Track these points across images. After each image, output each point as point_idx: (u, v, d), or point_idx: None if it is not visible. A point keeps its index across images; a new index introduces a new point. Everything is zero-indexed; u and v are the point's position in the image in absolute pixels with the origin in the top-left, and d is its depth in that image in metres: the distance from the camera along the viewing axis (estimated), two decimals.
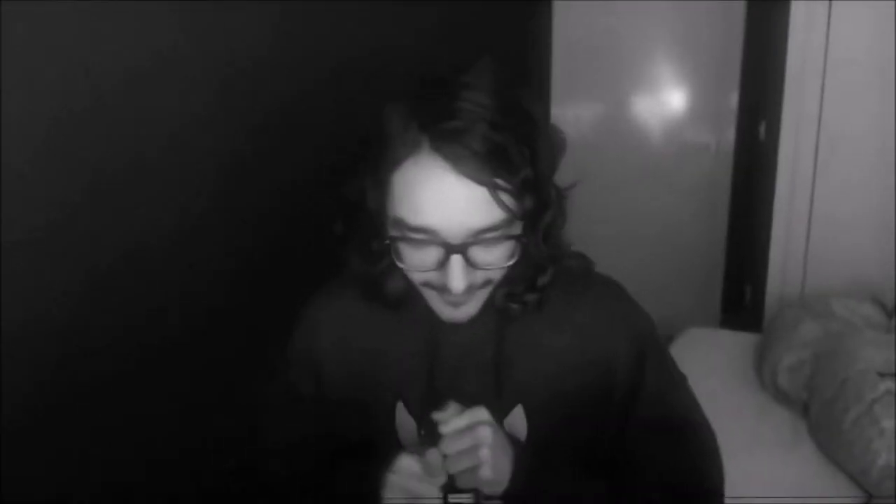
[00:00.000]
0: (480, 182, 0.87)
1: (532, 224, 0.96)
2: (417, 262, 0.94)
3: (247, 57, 1.66)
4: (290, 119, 1.80)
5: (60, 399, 1.30)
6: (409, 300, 1.04)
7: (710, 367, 2.66)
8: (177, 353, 1.54)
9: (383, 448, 1.03)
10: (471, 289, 0.94)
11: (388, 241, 0.94)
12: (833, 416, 2.09)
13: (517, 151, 0.89)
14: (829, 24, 2.93)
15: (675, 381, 1.10)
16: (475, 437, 0.92)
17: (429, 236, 0.90)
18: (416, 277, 0.97)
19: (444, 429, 0.93)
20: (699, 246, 4.04)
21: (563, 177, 1.01)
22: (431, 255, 0.92)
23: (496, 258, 0.93)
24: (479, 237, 0.90)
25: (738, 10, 3.71)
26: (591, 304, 1.06)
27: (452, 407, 0.95)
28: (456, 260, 0.90)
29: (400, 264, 0.95)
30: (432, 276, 0.94)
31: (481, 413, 0.94)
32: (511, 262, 0.94)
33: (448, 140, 0.87)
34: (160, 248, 1.49)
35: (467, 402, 0.98)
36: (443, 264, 0.91)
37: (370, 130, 0.94)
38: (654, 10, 3.79)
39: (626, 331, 1.05)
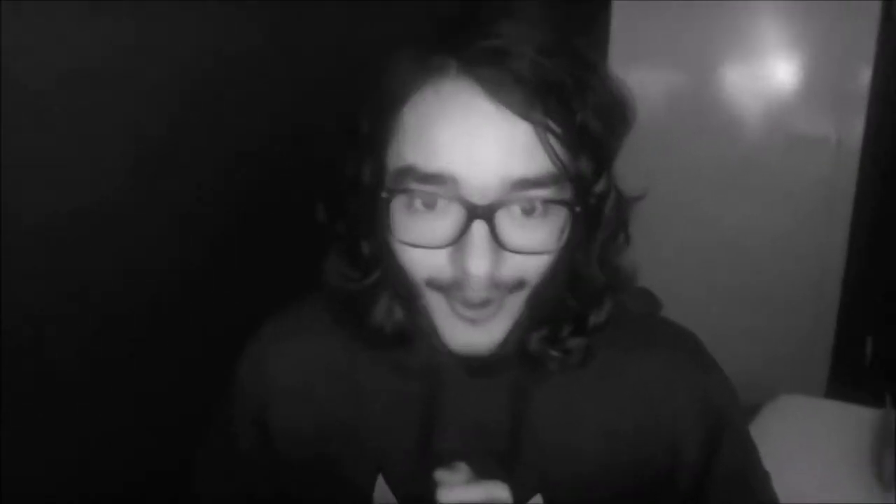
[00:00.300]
0: (526, 115, 0.78)
1: (587, 211, 0.86)
2: (424, 235, 0.82)
3: (242, 55, 1.76)
4: (287, 119, 1.89)
5: (61, 399, 1.40)
6: (409, 339, 0.94)
7: (810, 449, 2.35)
8: (178, 353, 1.64)
9: None
10: (498, 288, 0.82)
11: (385, 197, 0.83)
12: None
13: (574, 89, 0.80)
14: None
15: (758, 472, 1.03)
16: None
17: (446, 190, 0.80)
18: (420, 270, 0.84)
19: (446, 496, 0.84)
20: (805, 277, 3.56)
21: (619, 176, 0.91)
22: (446, 223, 0.81)
23: (537, 238, 0.81)
24: (516, 196, 0.79)
25: None
26: (654, 363, 0.97)
27: (462, 470, 0.85)
28: (480, 230, 0.78)
29: (397, 245, 0.83)
30: (442, 265, 0.82)
31: (500, 491, 0.85)
32: (557, 249, 0.82)
33: (484, 60, 0.79)
34: (161, 247, 1.61)
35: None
36: (461, 236, 0.79)
37: (377, 65, 0.87)
38: None
39: (700, 401, 0.97)
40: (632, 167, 0.92)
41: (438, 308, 0.87)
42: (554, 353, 0.91)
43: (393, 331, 0.94)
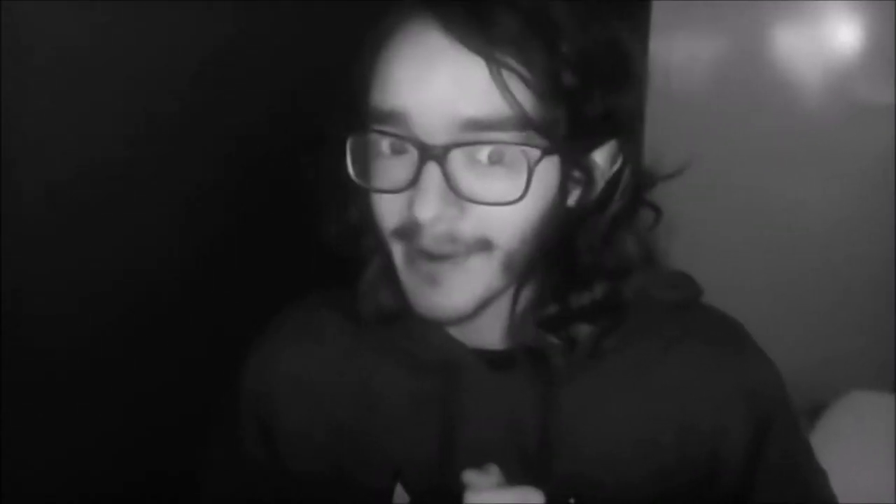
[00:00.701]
0: (477, 51, 0.79)
1: (572, 164, 0.86)
2: (386, 179, 0.84)
3: (237, 53, 1.74)
4: (285, 119, 1.84)
5: (61, 399, 1.41)
6: (403, 323, 0.95)
7: (880, 448, 2.34)
8: (179, 353, 1.63)
9: None
10: (454, 242, 0.82)
11: (349, 139, 0.86)
12: None
13: (546, 31, 0.81)
14: None
15: (813, 468, 1.03)
16: None
17: (401, 129, 0.81)
18: (386, 220, 0.85)
19: (475, 499, 0.83)
20: (871, 262, 3.25)
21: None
22: (403, 165, 0.82)
23: (495, 190, 0.81)
24: (470, 137, 0.80)
25: None
26: (693, 355, 0.96)
27: (493, 473, 0.83)
28: (431, 172, 0.80)
29: (360, 183, 0.86)
30: (403, 211, 0.83)
31: (532, 496, 0.84)
32: (514, 201, 0.80)
33: (453, 3, 0.81)
34: (161, 247, 1.61)
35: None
36: (415, 179, 0.81)
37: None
38: None
39: (744, 395, 0.96)
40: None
41: (401, 261, 0.87)
42: (552, 340, 0.90)
43: (380, 308, 0.95)
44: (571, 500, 0.93)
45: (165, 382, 1.59)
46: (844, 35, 3.19)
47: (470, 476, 0.84)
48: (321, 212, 0.96)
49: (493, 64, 0.78)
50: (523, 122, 0.80)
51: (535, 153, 0.81)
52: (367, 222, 0.89)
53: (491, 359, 0.93)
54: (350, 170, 0.85)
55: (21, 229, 1.29)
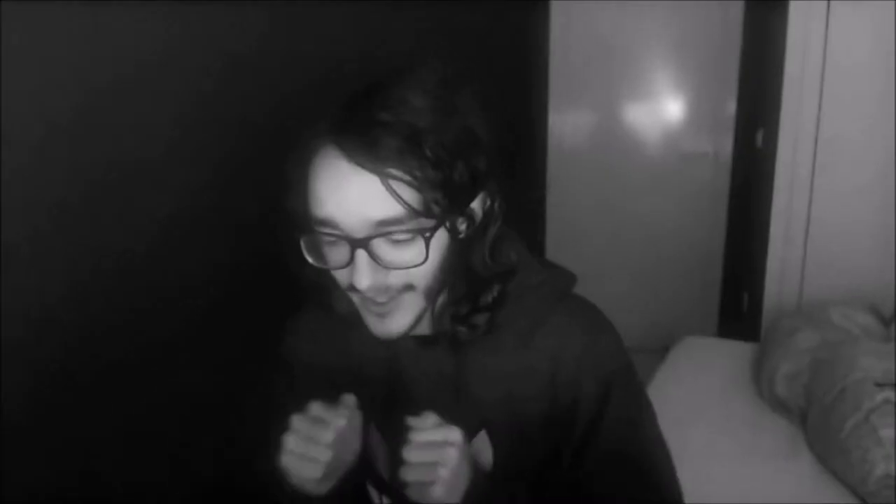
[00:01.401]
0: (374, 172, 0.87)
1: (464, 229, 0.95)
2: (332, 260, 0.93)
3: (242, 57, 1.67)
4: (284, 120, 1.70)
5: (61, 399, 1.31)
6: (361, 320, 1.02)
7: (708, 375, 2.70)
8: (178, 353, 1.56)
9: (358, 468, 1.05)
10: (387, 291, 0.93)
11: (301, 238, 0.93)
12: (830, 426, 2.10)
13: (426, 145, 0.88)
14: (826, 31, 2.94)
15: (640, 417, 1.09)
16: (440, 455, 0.91)
17: (334, 230, 0.90)
18: (341, 279, 0.96)
19: (415, 437, 0.92)
20: (697, 254, 4.08)
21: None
22: (341, 251, 0.91)
23: (407, 257, 0.91)
24: (382, 230, 0.89)
25: (736, 17, 3.75)
26: (558, 331, 1.03)
27: (430, 418, 0.93)
28: (360, 255, 0.89)
29: (318, 265, 0.95)
30: (349, 278, 0.93)
31: (454, 434, 0.93)
32: (423, 262, 0.91)
33: (345, 132, 0.88)
34: (163, 246, 1.51)
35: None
36: (351, 261, 0.90)
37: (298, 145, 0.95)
38: (651, 18, 3.83)
39: (593, 366, 1.03)
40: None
41: (358, 303, 0.98)
42: (461, 328, 1.00)
43: (348, 311, 1.01)
44: (483, 434, 1.04)
45: (166, 383, 1.55)
46: (676, 106, 3.97)
47: (412, 420, 0.93)
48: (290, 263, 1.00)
49: (384, 177, 0.87)
50: (414, 214, 0.88)
51: (427, 231, 0.89)
52: (322, 275, 0.97)
53: (421, 341, 1.02)
54: (307, 257, 0.94)
55: (26, 229, 1.24)
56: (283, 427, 1.04)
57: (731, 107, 3.87)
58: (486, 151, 0.93)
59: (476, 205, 0.95)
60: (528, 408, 1.03)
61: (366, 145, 0.86)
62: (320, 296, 1.04)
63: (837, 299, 2.81)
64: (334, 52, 1.96)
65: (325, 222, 0.90)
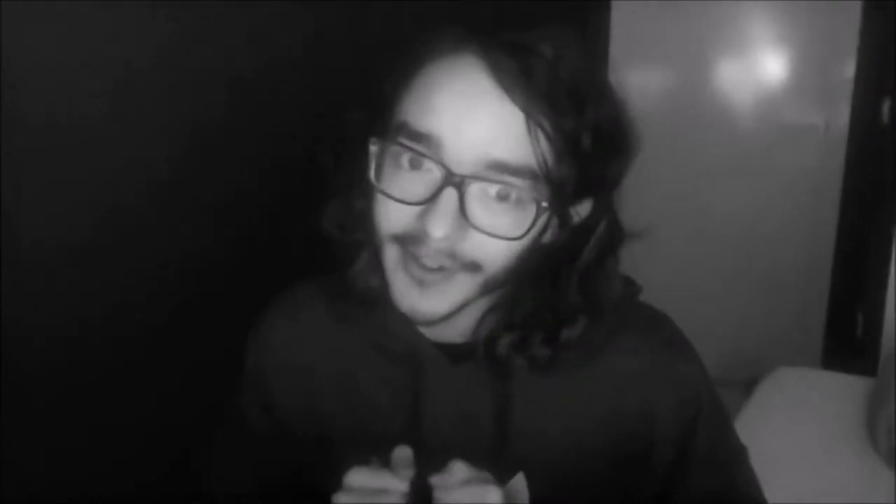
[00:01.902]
0: (523, 106, 0.81)
1: (562, 219, 0.89)
2: (400, 188, 0.85)
3: (256, 58, 1.74)
4: (302, 120, 1.83)
5: (61, 399, 1.39)
6: (382, 310, 0.95)
7: (807, 418, 2.48)
8: (180, 352, 1.62)
9: None
10: (452, 258, 0.85)
11: (377, 148, 0.87)
12: None
13: (579, 101, 0.84)
14: None
15: (736, 450, 1.05)
16: None
17: (430, 150, 0.83)
18: (389, 224, 0.86)
19: (441, 497, 0.84)
20: (799, 260, 3.73)
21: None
22: (422, 182, 0.83)
23: (502, 222, 0.83)
24: (492, 174, 0.82)
25: None
26: (628, 349, 0.98)
27: (458, 469, 0.84)
28: (448, 195, 0.82)
29: (377, 194, 0.86)
30: (410, 221, 0.84)
31: (492, 494, 0.83)
32: (519, 237, 0.84)
33: (503, 50, 0.83)
34: (164, 246, 1.58)
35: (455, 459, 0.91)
36: (432, 198, 0.82)
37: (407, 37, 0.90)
38: None
39: (673, 386, 0.98)
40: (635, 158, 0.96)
41: (393, 263, 0.89)
42: (519, 358, 0.94)
43: (363, 292, 0.97)
44: (520, 476, 0.97)
45: (168, 383, 1.59)
46: (774, 66, 3.62)
47: (436, 479, 0.85)
48: (327, 201, 0.98)
49: (530, 118, 0.81)
50: (541, 174, 0.83)
51: (544, 202, 0.84)
52: (365, 220, 0.91)
53: (451, 352, 0.96)
54: (371, 173, 0.87)
55: (25, 231, 1.28)
56: (264, 472, 1.11)
57: (850, 69, 3.50)
58: (626, 156, 0.90)
59: (579, 209, 0.90)
60: (586, 445, 0.97)
61: (524, 73, 0.82)
62: (340, 262, 0.98)
63: None
64: (357, 50, 2.00)
65: (425, 138, 0.83)
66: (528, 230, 0.84)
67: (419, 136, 0.83)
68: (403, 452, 0.85)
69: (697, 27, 3.65)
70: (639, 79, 3.74)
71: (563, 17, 2.92)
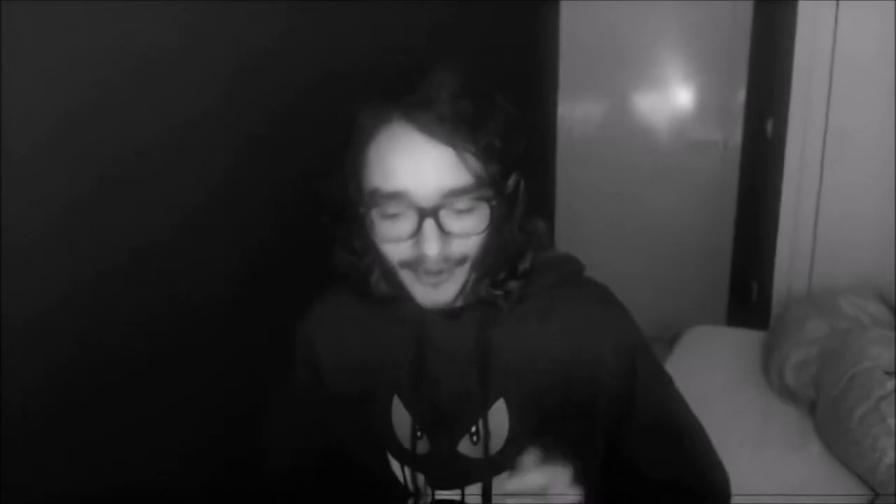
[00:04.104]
0: (448, 143, 0.92)
1: (502, 201, 0.99)
2: (393, 233, 0.96)
3: (255, 51, 1.67)
4: (297, 114, 1.80)
5: (62, 399, 1.30)
6: (398, 300, 1.06)
7: (717, 364, 2.69)
8: (183, 352, 1.54)
9: (382, 440, 1.10)
10: (447, 262, 0.96)
11: (362, 212, 0.97)
12: (840, 414, 2.09)
13: (481, 120, 0.94)
14: (836, 21, 2.93)
15: (666, 380, 1.13)
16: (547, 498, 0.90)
17: (402, 202, 0.94)
18: (394, 256, 0.98)
19: (517, 482, 0.90)
20: (706, 243, 4.08)
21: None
22: (406, 223, 0.95)
23: (469, 225, 0.96)
24: (450, 199, 0.93)
25: (746, 7, 3.74)
26: (578, 308, 1.08)
27: (532, 456, 0.92)
28: (429, 225, 0.93)
29: (377, 240, 0.98)
30: (408, 250, 0.96)
31: (562, 474, 0.92)
32: (484, 230, 0.96)
33: (416, 109, 0.92)
34: (166, 245, 1.49)
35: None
36: (417, 232, 0.94)
37: (351, 121, 0.99)
38: (660, 8, 3.82)
39: (613, 339, 1.07)
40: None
41: (409, 280, 1.00)
42: (497, 292, 1.04)
43: (383, 295, 1.07)
44: (501, 402, 1.06)
45: (170, 383, 1.53)
46: (685, 96, 3.96)
47: (509, 483, 0.91)
48: (334, 245, 1.07)
49: (457, 150, 0.92)
50: (481, 184, 0.94)
51: (492, 199, 0.95)
52: (368, 251, 1.02)
53: (443, 313, 1.04)
54: (373, 235, 0.98)
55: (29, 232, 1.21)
56: (309, 419, 1.14)
57: (741, 96, 3.87)
58: (523, 141, 1.00)
59: (511, 182, 1.00)
60: (551, 379, 1.05)
61: (439, 119, 0.92)
62: (358, 282, 1.08)
63: (847, 288, 2.80)
64: (339, 49, 1.98)
65: (395, 195, 0.93)
66: (489, 222, 0.96)
67: (392, 195, 0.94)
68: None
69: (627, 66, 3.98)
70: (582, 108, 4.08)
71: (519, 65, 3.22)
